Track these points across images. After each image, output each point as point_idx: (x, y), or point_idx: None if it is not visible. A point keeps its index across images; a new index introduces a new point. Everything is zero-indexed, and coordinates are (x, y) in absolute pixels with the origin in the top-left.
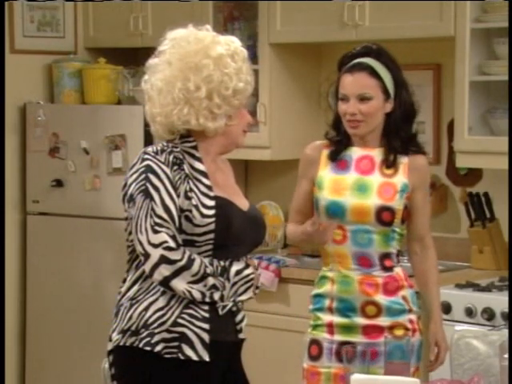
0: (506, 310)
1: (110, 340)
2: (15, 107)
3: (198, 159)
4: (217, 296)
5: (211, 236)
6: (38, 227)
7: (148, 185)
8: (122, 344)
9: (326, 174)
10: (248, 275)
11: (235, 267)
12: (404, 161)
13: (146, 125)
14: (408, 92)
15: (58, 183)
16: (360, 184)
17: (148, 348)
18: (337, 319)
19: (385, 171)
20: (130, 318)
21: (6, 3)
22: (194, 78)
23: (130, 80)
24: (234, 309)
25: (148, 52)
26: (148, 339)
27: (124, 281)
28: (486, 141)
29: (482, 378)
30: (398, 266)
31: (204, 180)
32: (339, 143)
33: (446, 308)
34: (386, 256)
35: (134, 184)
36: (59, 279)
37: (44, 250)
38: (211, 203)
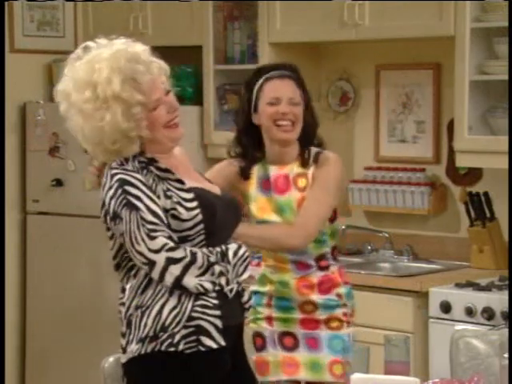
0: (506, 309)
1: (124, 352)
2: (15, 106)
3: (155, 160)
4: (223, 281)
5: (201, 226)
6: (38, 227)
7: (128, 197)
8: (143, 352)
9: (254, 192)
10: (243, 254)
11: (231, 250)
12: (312, 168)
13: None
14: (312, 106)
15: (58, 183)
16: (281, 205)
17: (172, 349)
18: (276, 314)
19: (299, 185)
20: (146, 325)
21: (6, 3)
22: None
23: None
24: (240, 289)
25: None
26: (170, 341)
27: (123, 290)
28: (486, 140)
29: (481, 377)
30: (335, 264)
31: (172, 176)
32: (249, 158)
33: (446, 307)
34: (321, 257)
35: (114, 201)
36: (59, 278)
37: (44, 249)
38: (190, 196)
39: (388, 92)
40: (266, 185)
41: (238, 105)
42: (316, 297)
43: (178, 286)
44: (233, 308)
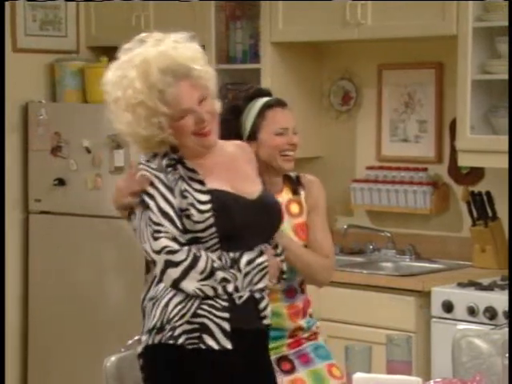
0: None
1: (140, 343)
2: (17, 106)
3: (183, 159)
4: (230, 288)
5: (213, 230)
6: (40, 226)
7: (144, 195)
8: (150, 343)
9: None
10: (261, 263)
11: (246, 257)
12: (302, 192)
13: None
14: None
15: (60, 182)
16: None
17: (171, 342)
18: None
19: (292, 211)
20: (154, 316)
21: (8, 2)
22: None
23: None
24: (258, 296)
25: None
26: (171, 333)
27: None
28: (488, 140)
29: (484, 376)
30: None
31: (195, 176)
32: None
33: (448, 307)
34: (302, 280)
35: None
36: (61, 278)
37: (46, 248)
38: (206, 198)
39: (390, 91)
40: None
41: (221, 131)
42: (303, 321)
43: (176, 287)
44: (246, 313)
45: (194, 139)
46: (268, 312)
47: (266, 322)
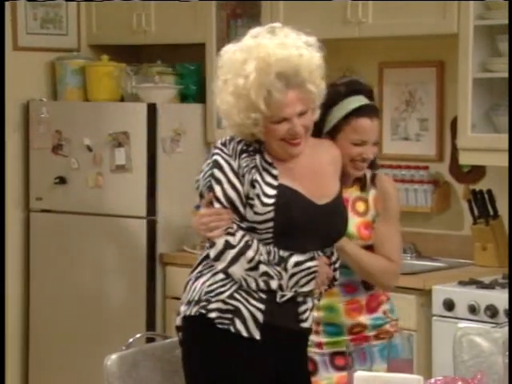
0: None
1: (178, 314)
2: (18, 104)
3: (263, 152)
4: (274, 285)
5: (270, 224)
6: (41, 224)
7: (212, 180)
8: (188, 314)
9: None
10: (310, 267)
11: (295, 258)
12: (372, 191)
13: (149, 122)
14: None
15: (61, 180)
16: None
17: (203, 311)
18: (325, 339)
19: (357, 209)
20: (194, 289)
21: (8, 2)
22: None
23: (133, 77)
24: (300, 299)
25: (151, 49)
26: (205, 304)
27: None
28: (489, 138)
29: (485, 375)
30: None
31: (272, 170)
32: None
33: (449, 305)
34: None
35: (202, 179)
36: (62, 276)
37: (47, 247)
38: (273, 192)
39: (391, 90)
40: None
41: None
42: (364, 318)
43: (226, 270)
44: (283, 310)
45: (281, 144)
46: (306, 317)
47: (304, 325)
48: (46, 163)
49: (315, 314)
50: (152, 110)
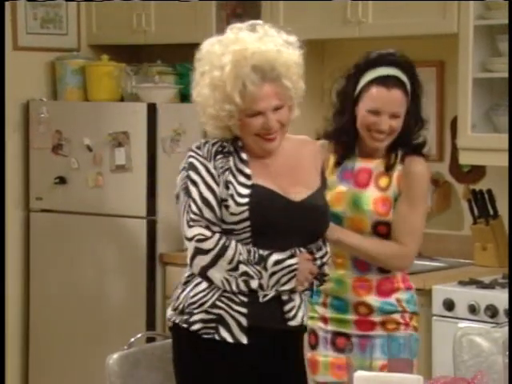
0: None
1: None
2: (18, 104)
3: (241, 148)
4: (254, 284)
5: (247, 224)
6: (41, 224)
7: (188, 182)
8: (174, 320)
9: (334, 181)
10: (290, 265)
11: (275, 257)
12: (399, 168)
13: (149, 122)
14: (421, 103)
15: (61, 180)
16: (356, 198)
17: (185, 325)
18: (330, 313)
19: (380, 184)
20: (178, 298)
21: (8, 2)
22: None
23: (133, 77)
24: (285, 298)
25: (151, 49)
26: (186, 317)
27: None
28: (489, 138)
29: (485, 375)
30: None
31: (244, 169)
32: (347, 148)
33: (449, 305)
34: None
35: (179, 182)
36: (62, 276)
37: (47, 247)
38: (246, 192)
39: None
40: (346, 175)
41: (343, 84)
42: (372, 299)
43: (204, 275)
44: (267, 311)
45: (256, 139)
46: (293, 314)
47: (292, 323)
48: (45, 163)
49: (325, 285)
50: (152, 109)
